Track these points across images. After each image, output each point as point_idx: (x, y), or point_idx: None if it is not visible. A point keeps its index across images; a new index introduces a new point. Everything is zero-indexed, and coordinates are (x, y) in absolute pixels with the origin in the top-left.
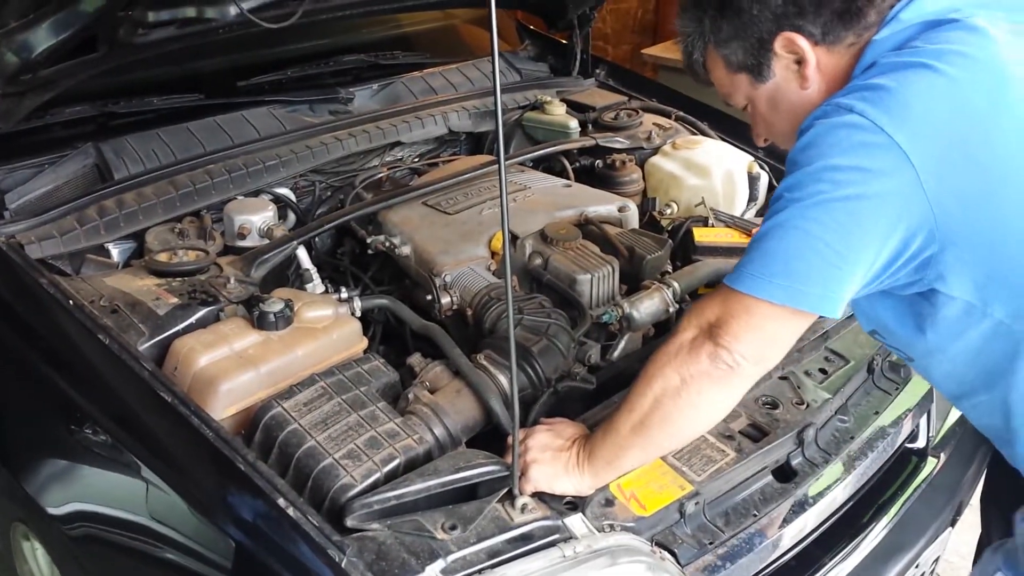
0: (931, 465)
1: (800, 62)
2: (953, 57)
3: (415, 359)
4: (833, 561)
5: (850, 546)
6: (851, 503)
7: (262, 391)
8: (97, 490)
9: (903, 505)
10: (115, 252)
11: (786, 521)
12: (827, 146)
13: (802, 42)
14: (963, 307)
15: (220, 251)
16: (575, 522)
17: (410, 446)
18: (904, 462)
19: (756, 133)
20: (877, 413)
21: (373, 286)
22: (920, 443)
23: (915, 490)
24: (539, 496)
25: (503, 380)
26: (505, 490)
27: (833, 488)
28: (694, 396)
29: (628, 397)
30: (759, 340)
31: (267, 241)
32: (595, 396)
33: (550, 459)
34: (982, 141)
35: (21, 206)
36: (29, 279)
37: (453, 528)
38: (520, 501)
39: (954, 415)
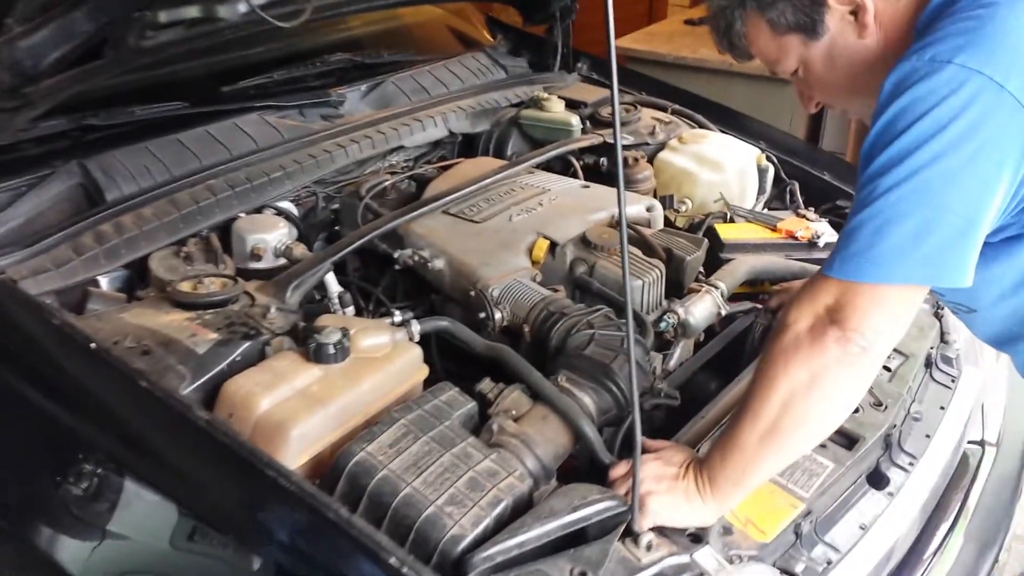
0: (991, 454)
1: (856, 12)
2: None
3: (486, 384)
4: (934, 560)
5: (943, 545)
6: (937, 501)
7: (332, 433)
8: (157, 559)
9: (980, 497)
10: (104, 282)
11: (891, 529)
12: (931, 106)
13: None
14: None
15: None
16: (705, 556)
17: (513, 485)
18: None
19: (807, 97)
20: (943, 408)
21: (388, 303)
22: (983, 435)
23: (987, 481)
24: (658, 530)
25: (588, 402)
26: (623, 527)
27: (921, 488)
28: (828, 388)
29: (749, 405)
30: (887, 318)
31: (283, 261)
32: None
33: (667, 489)
34: None
35: (3, 235)
36: (36, 322)
37: (583, 575)
38: (644, 538)
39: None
